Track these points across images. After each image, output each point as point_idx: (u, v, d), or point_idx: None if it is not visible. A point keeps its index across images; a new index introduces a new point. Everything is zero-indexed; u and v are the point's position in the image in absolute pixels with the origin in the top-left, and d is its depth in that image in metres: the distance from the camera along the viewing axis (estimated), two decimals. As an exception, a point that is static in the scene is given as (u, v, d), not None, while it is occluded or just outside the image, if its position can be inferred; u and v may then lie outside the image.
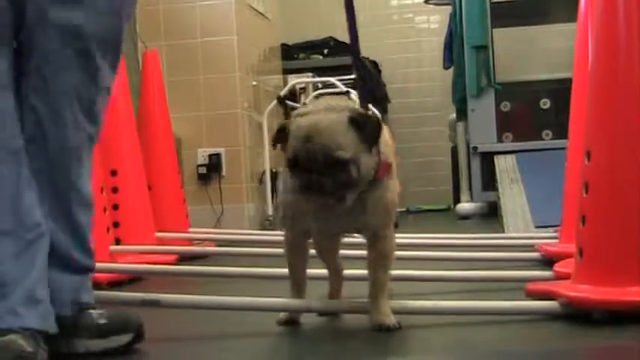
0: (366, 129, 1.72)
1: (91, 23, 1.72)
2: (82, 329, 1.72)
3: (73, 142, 1.75)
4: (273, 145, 1.81)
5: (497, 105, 5.89)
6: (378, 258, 1.88)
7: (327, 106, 1.76)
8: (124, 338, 1.74)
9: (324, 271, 2.15)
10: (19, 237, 1.64)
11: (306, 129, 1.71)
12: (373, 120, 1.74)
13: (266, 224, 5.55)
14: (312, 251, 2.03)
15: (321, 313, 2.07)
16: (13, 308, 1.59)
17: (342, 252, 2.17)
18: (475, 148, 5.84)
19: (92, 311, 1.76)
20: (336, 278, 2.14)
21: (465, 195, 6.17)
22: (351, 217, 1.82)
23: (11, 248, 1.62)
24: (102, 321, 1.73)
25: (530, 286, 2.15)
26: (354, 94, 5.81)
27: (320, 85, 6.17)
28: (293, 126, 1.73)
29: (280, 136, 1.77)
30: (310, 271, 2.01)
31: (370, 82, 6.75)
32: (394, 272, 1.94)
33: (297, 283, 1.99)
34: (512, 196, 4.73)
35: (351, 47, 1.97)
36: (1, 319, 1.57)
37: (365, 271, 1.89)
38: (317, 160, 1.69)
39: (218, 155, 5.39)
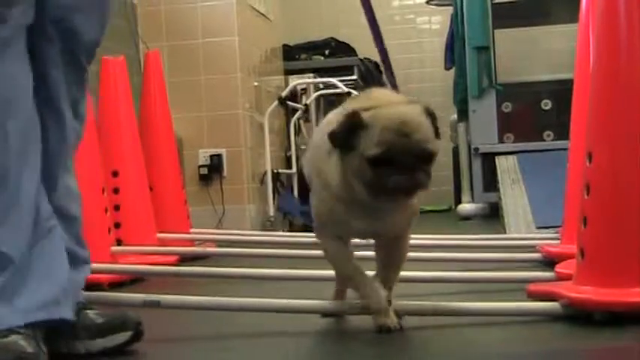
0: (435, 121, 1.68)
1: (88, 27, 1.76)
2: (81, 329, 1.73)
3: (69, 141, 1.80)
4: (339, 143, 1.67)
5: (499, 106, 5.90)
6: (396, 258, 1.86)
7: (396, 98, 1.70)
8: (123, 337, 1.74)
9: (323, 273, 2.15)
10: (41, 227, 1.67)
11: (399, 123, 1.61)
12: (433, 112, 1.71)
13: (267, 225, 5.55)
14: (305, 252, 2.03)
15: (324, 314, 2.06)
16: (52, 300, 1.62)
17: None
18: (476, 148, 5.84)
19: (89, 311, 1.76)
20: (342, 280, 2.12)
21: (466, 196, 6.17)
22: (390, 218, 1.78)
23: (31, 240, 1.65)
24: (100, 320, 1.74)
25: (532, 287, 2.15)
26: (355, 94, 5.82)
27: (321, 86, 6.17)
28: (378, 121, 1.62)
29: (351, 132, 1.64)
30: (312, 272, 2.01)
31: (371, 82, 6.75)
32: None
33: (363, 272, 1.86)
34: (514, 197, 4.73)
35: (378, 47, 1.95)
36: (4, 318, 1.58)
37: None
38: (414, 155, 1.62)
39: (219, 156, 5.39)
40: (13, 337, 1.55)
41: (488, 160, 5.68)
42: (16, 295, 1.60)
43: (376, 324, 1.82)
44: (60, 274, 1.68)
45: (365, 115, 1.63)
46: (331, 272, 2.06)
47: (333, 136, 1.67)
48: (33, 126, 1.68)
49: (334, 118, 1.76)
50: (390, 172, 1.62)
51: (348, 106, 1.71)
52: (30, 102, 1.67)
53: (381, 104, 1.66)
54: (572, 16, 3.78)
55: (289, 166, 6.07)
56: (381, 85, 6.95)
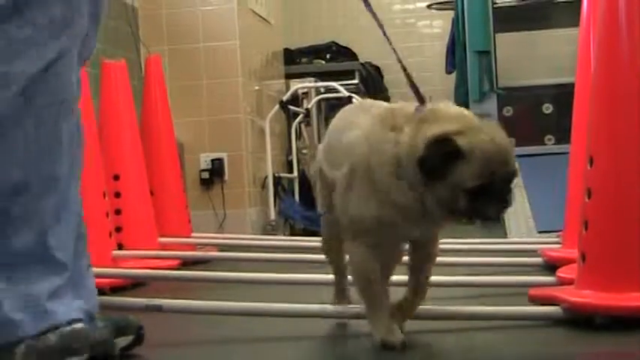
0: None
1: (94, 31, 1.76)
2: None
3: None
4: (429, 171, 1.56)
5: (500, 110, 5.90)
6: (431, 259, 1.83)
7: (472, 116, 1.62)
8: (124, 341, 1.74)
9: (324, 277, 2.14)
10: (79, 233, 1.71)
11: (498, 152, 1.55)
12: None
13: (268, 229, 5.55)
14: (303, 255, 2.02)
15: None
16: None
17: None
18: (478, 152, 5.84)
19: None
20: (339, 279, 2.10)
21: (467, 199, 6.16)
22: (438, 224, 1.74)
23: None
24: (101, 324, 1.74)
25: (533, 291, 2.15)
26: (356, 98, 5.82)
27: (322, 90, 6.17)
28: (478, 151, 1.53)
29: (445, 161, 1.54)
30: (313, 277, 2.01)
31: (373, 86, 6.75)
32: (395, 278, 1.94)
33: (383, 301, 1.77)
34: (515, 201, 4.72)
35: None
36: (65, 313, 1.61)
37: None
38: (510, 182, 1.58)
39: (220, 160, 5.38)
40: (80, 325, 1.60)
41: (490, 163, 5.67)
42: (74, 297, 1.64)
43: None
44: (92, 279, 1.74)
45: (462, 143, 1.53)
46: (332, 277, 2.06)
47: (423, 164, 1.55)
48: (79, 130, 1.70)
49: (376, 115, 1.72)
50: (487, 201, 1.57)
51: (431, 129, 1.57)
52: (77, 106, 1.69)
53: (467, 127, 1.57)
54: (573, 20, 3.78)
55: (290, 171, 6.07)
56: (382, 88, 6.95)
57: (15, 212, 1.57)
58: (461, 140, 1.53)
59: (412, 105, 1.69)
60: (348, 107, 1.96)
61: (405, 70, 1.78)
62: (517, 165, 1.62)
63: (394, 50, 1.79)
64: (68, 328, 1.58)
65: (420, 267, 1.83)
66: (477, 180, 1.54)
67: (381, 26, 1.79)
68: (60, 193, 1.63)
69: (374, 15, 1.83)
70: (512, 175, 1.59)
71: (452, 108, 1.65)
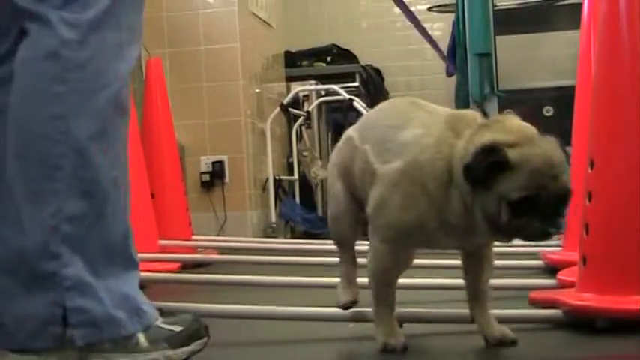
0: (568, 159, 1.61)
1: None
2: None
3: None
4: (474, 180, 1.52)
5: (500, 112, 5.89)
6: (490, 262, 1.81)
7: (532, 132, 1.58)
8: None
9: (326, 280, 2.14)
10: None
11: (548, 166, 1.51)
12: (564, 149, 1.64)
13: (269, 232, 5.55)
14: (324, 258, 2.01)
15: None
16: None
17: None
18: (478, 155, 5.84)
19: None
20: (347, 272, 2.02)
21: (468, 202, 6.16)
22: (479, 237, 1.68)
23: None
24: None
25: (534, 294, 2.15)
26: (357, 101, 5.82)
27: (323, 93, 6.18)
28: (527, 163, 1.49)
29: (492, 171, 1.50)
30: (314, 279, 2.00)
31: (373, 89, 6.76)
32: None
33: (392, 305, 1.76)
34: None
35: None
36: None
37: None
38: (558, 199, 1.51)
39: (221, 163, 5.39)
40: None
41: (490, 166, 5.67)
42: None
43: (506, 336, 1.76)
44: None
45: (511, 155, 1.50)
46: (333, 280, 2.06)
47: (469, 172, 1.51)
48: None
49: (425, 120, 1.66)
50: (530, 218, 1.50)
51: (484, 137, 1.53)
52: None
53: (521, 139, 1.53)
54: (573, 22, 3.78)
55: (291, 173, 6.07)
56: (383, 91, 6.95)
57: (109, 208, 1.57)
58: (511, 151, 1.50)
59: (478, 113, 1.67)
60: (396, 101, 1.86)
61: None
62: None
63: (429, 37, 1.76)
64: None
65: (475, 274, 1.78)
66: (522, 192, 1.49)
67: (414, 20, 1.77)
68: (119, 190, 1.64)
69: (406, 8, 1.81)
70: (563, 192, 1.51)
71: (516, 120, 1.60)
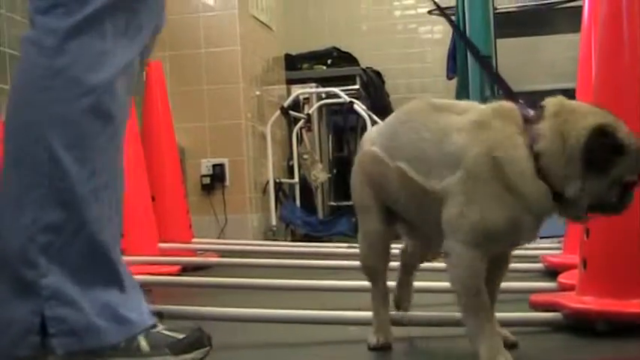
0: None
1: None
2: None
3: None
4: (594, 164, 1.51)
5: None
6: (508, 265, 1.76)
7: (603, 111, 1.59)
8: None
9: (326, 283, 2.14)
10: None
11: None
12: None
13: (269, 235, 5.55)
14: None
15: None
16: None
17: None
18: (479, 158, 5.83)
19: None
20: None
21: (468, 205, 6.15)
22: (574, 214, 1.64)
23: None
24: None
25: (534, 297, 2.14)
26: (357, 104, 5.83)
27: (323, 96, 6.18)
28: (635, 146, 1.51)
29: (609, 154, 1.51)
30: (314, 282, 2.00)
31: (374, 92, 6.76)
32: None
33: (489, 315, 1.65)
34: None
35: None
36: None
37: None
38: None
39: (222, 165, 5.39)
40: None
41: (491, 169, 5.66)
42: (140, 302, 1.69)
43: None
44: None
45: (623, 139, 1.51)
46: (334, 283, 2.05)
47: (590, 153, 1.50)
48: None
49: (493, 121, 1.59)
50: (630, 193, 1.56)
51: (587, 121, 1.53)
52: None
53: (614, 121, 1.54)
54: (574, 25, 3.78)
55: (291, 176, 6.07)
56: (383, 94, 6.95)
57: (91, 218, 1.55)
58: (620, 136, 1.52)
59: (508, 102, 1.63)
60: (413, 109, 1.76)
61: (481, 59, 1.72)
62: None
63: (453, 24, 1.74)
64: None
65: (494, 276, 1.71)
66: (634, 174, 1.53)
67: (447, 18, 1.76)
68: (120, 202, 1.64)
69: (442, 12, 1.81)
70: None
71: (574, 102, 1.61)
